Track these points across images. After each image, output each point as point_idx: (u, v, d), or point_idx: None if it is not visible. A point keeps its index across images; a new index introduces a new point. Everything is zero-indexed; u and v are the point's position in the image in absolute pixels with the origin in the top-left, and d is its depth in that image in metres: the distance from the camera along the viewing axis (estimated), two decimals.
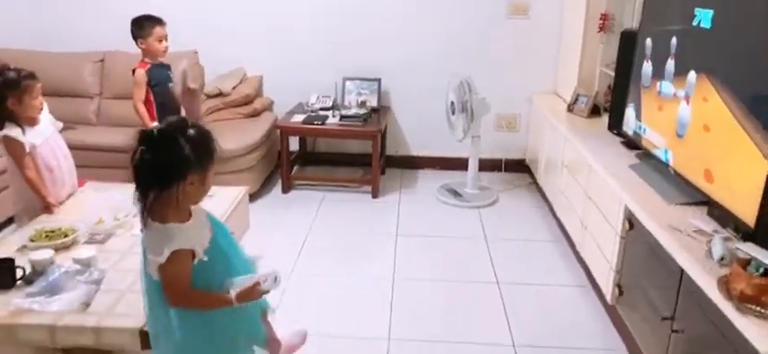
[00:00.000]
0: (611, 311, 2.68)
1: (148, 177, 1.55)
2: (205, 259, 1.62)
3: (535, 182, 4.26)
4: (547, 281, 3.05)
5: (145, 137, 1.55)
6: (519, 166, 4.56)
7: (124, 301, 1.97)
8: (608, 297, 2.63)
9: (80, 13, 4.43)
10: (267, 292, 1.68)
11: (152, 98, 3.31)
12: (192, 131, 1.57)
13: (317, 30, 4.40)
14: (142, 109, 3.29)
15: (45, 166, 2.66)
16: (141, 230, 1.64)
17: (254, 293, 1.65)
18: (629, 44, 3.05)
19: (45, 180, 2.64)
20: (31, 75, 2.60)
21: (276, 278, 1.66)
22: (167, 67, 3.41)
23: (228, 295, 1.64)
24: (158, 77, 3.31)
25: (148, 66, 3.28)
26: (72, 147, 3.86)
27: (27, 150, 2.57)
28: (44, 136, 2.69)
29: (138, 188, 1.57)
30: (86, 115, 4.23)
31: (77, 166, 3.78)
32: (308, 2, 4.36)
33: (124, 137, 3.95)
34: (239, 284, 1.65)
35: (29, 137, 2.58)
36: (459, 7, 4.31)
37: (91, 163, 3.83)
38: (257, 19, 4.41)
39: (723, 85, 2.08)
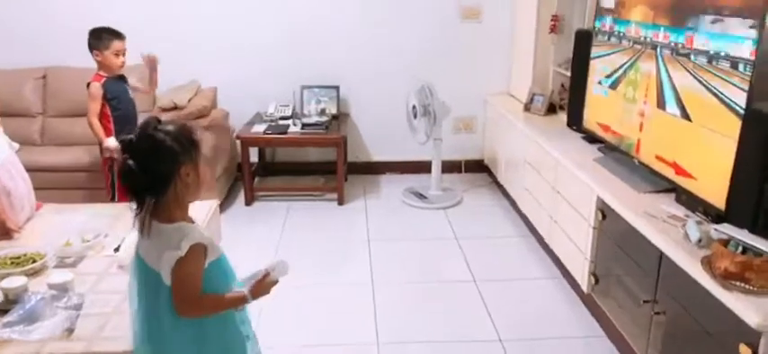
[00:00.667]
0: (586, 299, 2.79)
1: (142, 183, 1.49)
2: (214, 260, 1.55)
3: (495, 181, 4.37)
4: (521, 275, 3.14)
5: (125, 145, 1.49)
6: (478, 166, 4.67)
7: (110, 325, 1.87)
8: (583, 286, 2.74)
9: (19, 25, 4.18)
10: (277, 281, 1.63)
11: (109, 112, 3.20)
12: (168, 126, 1.52)
13: (272, 39, 4.35)
14: (96, 123, 3.17)
15: (2, 190, 2.49)
16: (141, 235, 1.54)
17: (266, 285, 1.61)
18: (583, 42, 3.20)
19: (3, 204, 2.47)
20: None
21: (285, 265, 1.63)
22: (124, 79, 3.29)
23: (241, 292, 1.58)
24: (116, 90, 3.19)
25: (104, 78, 3.16)
26: None
27: None
28: (0, 158, 2.52)
29: (134, 197, 1.51)
30: (30, 135, 4.00)
31: None
32: (263, 11, 4.30)
33: (72, 156, 3.78)
34: (248, 281, 1.61)
35: None
36: (413, 13, 4.38)
37: (39, 184, 3.59)
38: (210, 30, 4.32)
39: (683, 69, 2.22)
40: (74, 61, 3.81)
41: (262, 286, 1.60)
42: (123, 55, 3.18)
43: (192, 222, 1.60)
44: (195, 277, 1.51)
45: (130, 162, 1.47)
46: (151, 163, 1.48)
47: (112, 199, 3.24)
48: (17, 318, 1.83)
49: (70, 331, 1.83)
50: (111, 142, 3.14)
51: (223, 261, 1.62)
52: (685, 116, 2.24)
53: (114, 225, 2.53)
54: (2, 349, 1.73)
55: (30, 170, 3.63)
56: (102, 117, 3.19)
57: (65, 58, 4.02)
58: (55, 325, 1.83)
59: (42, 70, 4.07)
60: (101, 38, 3.11)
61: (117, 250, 2.28)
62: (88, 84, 3.14)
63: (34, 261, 2.18)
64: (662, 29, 2.41)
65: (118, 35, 3.14)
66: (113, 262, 2.22)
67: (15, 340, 1.76)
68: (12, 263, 2.16)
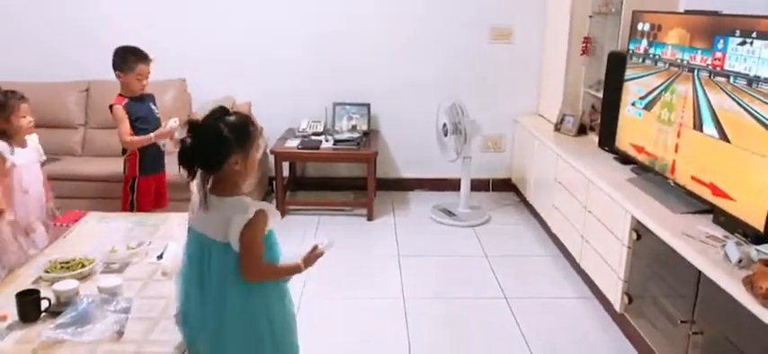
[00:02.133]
0: (619, 319, 2.79)
1: (194, 159, 1.64)
2: (267, 230, 1.70)
3: (523, 200, 4.38)
4: (552, 294, 3.14)
5: (191, 124, 1.67)
6: (505, 185, 4.69)
7: (158, 328, 1.93)
8: (616, 306, 2.73)
9: (64, 42, 4.35)
10: (323, 253, 1.80)
11: (133, 132, 3.12)
12: (231, 117, 1.69)
13: (305, 56, 4.45)
14: (135, 138, 3.10)
15: (21, 188, 2.71)
16: (201, 207, 1.68)
17: (315, 256, 1.79)
18: (617, 64, 3.22)
19: (16, 200, 2.67)
20: (18, 96, 2.71)
21: (331, 239, 1.82)
22: (149, 98, 3.24)
23: (296, 261, 1.75)
24: (139, 111, 3.13)
25: (126, 101, 3.10)
26: (58, 178, 3.79)
27: (7, 166, 2.64)
28: (28, 159, 2.77)
29: (186, 169, 1.66)
30: (71, 146, 4.14)
31: (64, 197, 3.71)
32: (296, 29, 4.41)
33: (110, 167, 3.89)
34: (299, 254, 1.77)
35: (14, 157, 2.67)
36: (444, 33, 4.44)
37: (77, 194, 3.75)
38: (245, 47, 4.43)
39: (722, 92, 2.24)
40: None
41: (312, 256, 1.79)
42: (146, 78, 3.11)
43: None
44: (259, 241, 1.67)
45: (189, 139, 1.63)
46: (205, 145, 1.64)
47: None
48: (70, 319, 1.90)
49: (120, 333, 1.89)
50: (173, 122, 3.06)
51: (273, 234, 1.76)
52: (723, 138, 2.25)
53: (156, 234, 2.61)
54: (55, 350, 1.79)
55: (70, 179, 3.79)
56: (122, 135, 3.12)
57: (107, 73, 4.14)
58: (105, 327, 1.89)
59: (86, 83, 4.21)
60: (126, 59, 3.05)
61: (160, 257, 2.35)
62: (111, 107, 3.11)
63: (83, 266, 2.25)
64: (699, 51, 2.42)
65: (143, 58, 3.07)
66: (157, 269, 2.29)
67: (68, 340, 1.82)
68: (62, 267, 2.24)
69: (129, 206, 3.24)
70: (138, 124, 3.14)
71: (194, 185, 1.72)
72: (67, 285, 2.03)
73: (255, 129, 1.74)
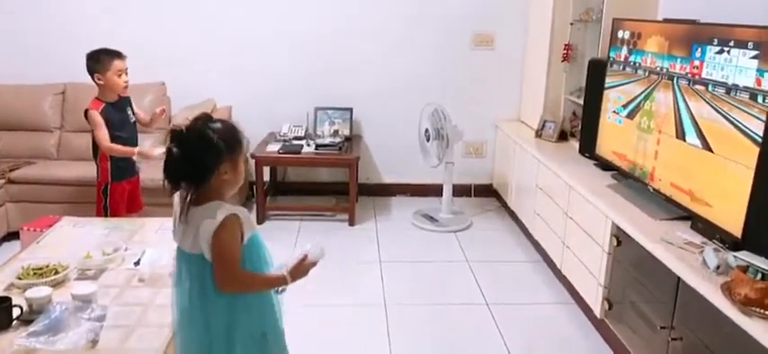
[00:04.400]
0: (600, 325, 2.80)
1: (183, 171, 1.57)
2: (249, 236, 1.61)
3: (504, 206, 4.40)
4: (532, 300, 3.15)
5: (175, 134, 1.57)
6: (487, 191, 4.70)
7: (134, 336, 1.88)
8: (597, 312, 2.75)
9: (40, 43, 4.26)
10: (315, 264, 1.70)
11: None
12: (217, 124, 1.61)
13: (287, 60, 4.43)
14: (114, 146, 3.03)
15: None
16: (181, 220, 1.61)
17: (305, 267, 1.68)
18: (597, 72, 3.25)
19: None
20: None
21: (321, 247, 1.69)
22: (126, 102, 3.15)
23: (281, 272, 1.65)
24: (115, 117, 3.04)
25: (102, 105, 3.01)
26: (33, 182, 3.72)
27: None
28: None
29: (171, 183, 1.58)
30: (46, 149, 4.05)
31: (39, 201, 3.64)
32: (278, 32, 4.38)
33: (87, 171, 3.81)
34: (286, 264, 1.67)
35: None
36: (427, 39, 4.45)
37: (53, 198, 3.68)
38: (226, 50, 4.39)
39: (700, 99, 2.26)
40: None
41: (300, 268, 1.68)
42: (125, 74, 3.01)
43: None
44: (233, 248, 1.57)
45: (176, 150, 1.54)
46: (196, 154, 1.55)
47: None
48: (42, 328, 1.85)
49: (94, 342, 1.84)
50: (156, 151, 2.96)
51: (257, 238, 1.67)
52: (702, 145, 2.28)
53: (132, 239, 2.56)
54: None
55: (45, 183, 3.71)
56: (99, 140, 3.04)
57: (84, 75, 4.07)
58: (79, 336, 1.84)
59: (62, 86, 4.13)
60: (99, 60, 2.95)
61: (137, 263, 2.31)
62: (86, 112, 3.02)
63: (57, 272, 2.20)
64: (678, 60, 2.46)
65: (117, 54, 2.98)
66: (134, 275, 2.24)
67: (40, 349, 1.77)
68: (35, 274, 2.18)
69: (103, 211, 3.16)
70: (113, 131, 3.03)
71: (176, 197, 1.64)
72: (40, 292, 1.98)
73: (242, 136, 1.65)
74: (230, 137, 1.60)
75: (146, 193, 3.35)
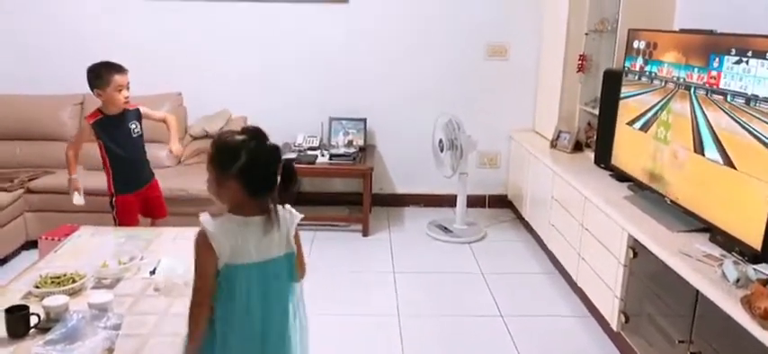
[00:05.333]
0: (616, 338, 2.76)
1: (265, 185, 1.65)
2: None
3: (519, 217, 4.37)
4: (548, 312, 3.12)
5: (285, 167, 1.66)
6: (501, 202, 4.68)
7: (148, 346, 1.89)
8: (613, 325, 2.71)
9: (59, 55, 4.34)
10: None
11: (105, 153, 3.07)
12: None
13: (302, 71, 4.45)
14: (70, 154, 3.08)
15: None
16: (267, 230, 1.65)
17: None
18: (612, 82, 3.23)
19: None
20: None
21: None
22: (131, 117, 3.07)
23: None
24: (111, 132, 3.00)
25: (98, 117, 2.99)
26: (53, 191, 3.77)
27: None
28: None
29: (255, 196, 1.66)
30: (65, 159, 4.09)
31: (57, 211, 3.68)
32: (292, 44, 4.41)
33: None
34: None
35: None
36: (441, 49, 4.46)
37: (71, 207, 3.69)
38: (242, 61, 4.43)
39: (718, 109, 2.24)
40: None
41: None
42: (126, 89, 2.96)
43: None
44: None
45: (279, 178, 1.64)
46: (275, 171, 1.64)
47: None
48: (59, 336, 1.86)
49: (110, 350, 1.85)
50: (75, 199, 3.10)
51: None
52: (720, 155, 2.25)
53: (148, 248, 2.58)
54: None
55: (66, 193, 3.74)
56: (102, 157, 3.06)
57: None
58: (95, 344, 1.85)
59: (80, 96, 4.19)
60: (99, 74, 2.91)
61: (153, 272, 2.32)
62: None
63: (74, 282, 2.22)
64: (695, 69, 2.43)
65: (118, 68, 2.93)
66: (150, 285, 2.26)
67: None
68: (52, 283, 2.21)
69: (114, 222, 3.16)
70: (109, 143, 3.02)
71: (205, 216, 1.62)
72: (57, 300, 1.99)
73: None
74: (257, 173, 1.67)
75: (169, 202, 3.33)
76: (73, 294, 2.17)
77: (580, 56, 3.88)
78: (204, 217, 1.62)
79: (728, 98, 2.20)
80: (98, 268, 2.38)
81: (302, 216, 1.76)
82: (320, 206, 4.55)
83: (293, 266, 1.73)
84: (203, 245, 1.59)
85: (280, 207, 1.69)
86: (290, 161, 1.71)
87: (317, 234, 4.08)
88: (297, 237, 1.74)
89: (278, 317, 1.72)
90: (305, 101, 4.48)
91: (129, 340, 1.93)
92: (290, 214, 1.73)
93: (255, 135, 1.66)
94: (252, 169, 1.60)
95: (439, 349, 2.76)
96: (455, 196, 4.21)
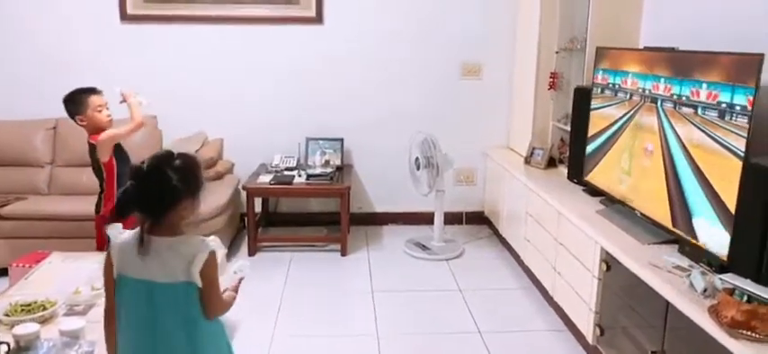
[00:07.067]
0: (591, 351, 2.79)
1: (139, 207, 1.60)
2: None
3: (496, 233, 4.41)
4: (525, 327, 3.14)
5: (133, 171, 1.63)
6: (478, 218, 4.72)
7: None
8: (589, 338, 2.75)
9: (32, 79, 4.29)
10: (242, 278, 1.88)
11: (115, 164, 2.94)
12: (178, 162, 1.63)
13: (278, 91, 4.47)
14: (128, 128, 2.95)
15: None
16: (139, 251, 1.60)
17: (238, 285, 1.85)
18: (583, 99, 3.31)
19: None
20: None
21: (241, 269, 1.88)
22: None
23: (232, 293, 1.78)
24: (120, 151, 2.97)
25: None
26: (24, 218, 3.70)
27: None
28: None
29: (120, 214, 1.64)
30: (37, 184, 4.04)
31: (29, 238, 3.62)
32: (268, 65, 4.43)
33: (79, 206, 3.80)
34: (225, 285, 1.79)
35: None
36: (415, 69, 4.51)
37: (43, 233, 3.66)
38: (218, 82, 4.43)
39: (683, 121, 2.31)
40: None
41: (237, 286, 1.84)
42: (106, 108, 2.91)
43: None
44: (217, 277, 1.67)
45: (130, 187, 1.59)
46: (153, 194, 1.60)
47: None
48: None
49: None
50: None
51: None
52: (690, 166, 2.32)
53: None
54: None
55: (35, 218, 3.70)
56: (108, 169, 2.94)
57: None
58: None
59: (53, 121, 4.14)
60: (75, 101, 2.88)
61: None
62: (92, 147, 2.91)
63: (45, 309, 2.19)
64: (661, 80, 2.51)
65: (92, 91, 2.90)
66: None
67: None
68: (22, 310, 2.18)
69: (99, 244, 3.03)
70: (121, 163, 2.94)
71: (113, 228, 1.66)
72: (27, 328, 1.97)
73: (203, 174, 1.70)
74: (191, 178, 1.64)
75: None
76: (44, 321, 2.14)
77: (551, 73, 3.96)
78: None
79: (697, 110, 2.27)
80: (70, 294, 2.36)
81: (220, 251, 1.68)
82: (298, 226, 4.55)
83: (190, 298, 1.61)
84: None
85: (181, 236, 1.61)
86: (137, 165, 1.62)
87: (295, 255, 4.07)
88: (207, 274, 1.60)
89: (170, 340, 1.64)
90: (281, 122, 4.49)
91: None
92: (201, 244, 1.61)
93: (168, 155, 1.65)
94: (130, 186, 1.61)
95: None
96: (432, 213, 4.23)
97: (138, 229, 1.61)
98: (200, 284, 1.60)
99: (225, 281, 1.79)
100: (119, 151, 3.00)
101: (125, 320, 1.66)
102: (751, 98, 1.98)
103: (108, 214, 2.98)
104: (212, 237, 1.71)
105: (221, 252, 1.75)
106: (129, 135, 3.00)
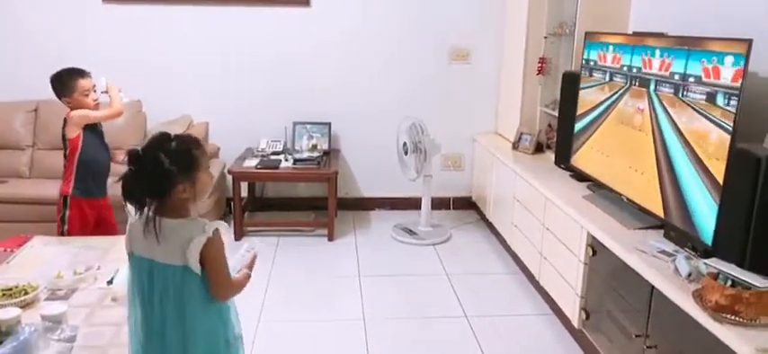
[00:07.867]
0: (577, 335, 2.82)
1: (138, 191, 1.62)
2: None
3: (483, 218, 4.42)
4: (511, 311, 3.16)
5: (132, 155, 1.62)
6: (466, 203, 4.72)
7: None
8: (574, 322, 2.77)
9: (13, 60, 4.20)
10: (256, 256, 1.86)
11: (77, 150, 2.88)
12: (173, 144, 1.64)
13: (264, 75, 4.42)
14: (102, 112, 2.91)
15: None
16: (146, 231, 1.62)
17: (253, 263, 1.83)
18: (571, 84, 3.30)
19: None
20: None
21: (252, 247, 1.88)
22: (100, 127, 2.99)
23: (247, 272, 1.77)
24: (92, 133, 2.90)
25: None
26: (5, 201, 3.64)
27: None
28: None
29: (133, 202, 1.64)
30: (18, 168, 3.98)
31: (12, 221, 3.56)
32: (255, 48, 4.37)
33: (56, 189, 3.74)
34: (239, 266, 1.79)
35: None
36: (403, 53, 4.48)
37: (25, 217, 3.61)
38: (203, 66, 4.37)
39: (674, 108, 2.31)
40: None
41: (252, 264, 1.82)
42: (93, 92, 2.88)
43: None
44: (225, 258, 1.66)
45: (130, 171, 1.60)
46: (149, 178, 1.61)
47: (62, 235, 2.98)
48: (10, 350, 1.80)
49: None
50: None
51: None
52: (676, 149, 2.32)
53: (105, 258, 2.51)
54: None
55: (17, 202, 3.64)
56: (72, 146, 2.87)
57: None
58: None
59: (34, 103, 4.06)
60: (63, 82, 2.83)
61: (110, 282, 2.26)
62: (64, 122, 2.86)
63: (26, 293, 2.15)
64: (653, 53, 2.51)
65: (81, 73, 2.85)
66: (107, 295, 2.20)
67: None
68: (4, 295, 2.13)
69: (62, 233, 2.95)
70: (90, 146, 2.90)
71: (130, 207, 1.68)
72: (8, 313, 1.93)
73: (201, 152, 1.68)
74: (184, 158, 1.62)
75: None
76: (25, 306, 2.10)
77: (540, 58, 3.95)
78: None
79: (681, 94, 2.27)
80: (52, 279, 2.32)
81: (213, 237, 1.60)
82: (285, 211, 4.53)
83: (186, 282, 1.61)
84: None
85: (184, 219, 1.62)
86: (135, 149, 1.61)
87: (282, 240, 4.05)
88: (209, 256, 1.60)
89: (165, 321, 1.65)
90: (268, 106, 4.44)
91: (84, 351, 1.88)
92: (198, 228, 1.60)
93: (162, 137, 1.66)
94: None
95: (405, 351, 2.77)
96: (420, 198, 4.23)
97: (145, 210, 1.64)
98: (197, 269, 1.61)
99: (237, 261, 1.80)
100: (94, 135, 2.93)
101: (132, 296, 1.71)
102: (739, 82, 1.99)
103: (65, 194, 2.94)
104: (218, 221, 1.69)
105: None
106: (104, 119, 2.95)
